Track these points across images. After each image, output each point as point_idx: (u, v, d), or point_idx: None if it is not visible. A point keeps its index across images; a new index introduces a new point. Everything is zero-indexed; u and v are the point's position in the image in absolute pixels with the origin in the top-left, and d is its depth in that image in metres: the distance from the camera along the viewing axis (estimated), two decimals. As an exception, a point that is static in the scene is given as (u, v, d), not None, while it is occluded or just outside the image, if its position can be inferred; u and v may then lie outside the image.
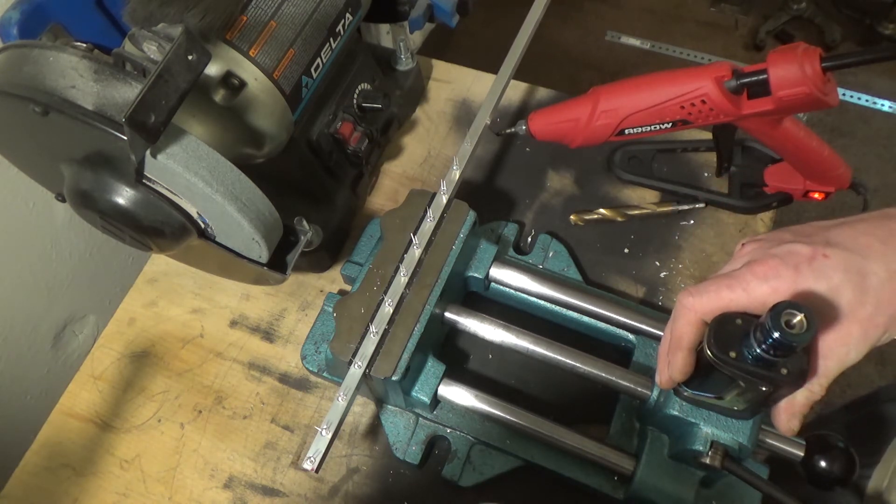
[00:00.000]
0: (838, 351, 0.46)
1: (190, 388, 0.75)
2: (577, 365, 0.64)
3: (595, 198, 0.82)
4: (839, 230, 0.46)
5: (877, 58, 0.58)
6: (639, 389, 0.62)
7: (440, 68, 0.94)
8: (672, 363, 0.50)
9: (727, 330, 0.47)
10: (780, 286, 0.45)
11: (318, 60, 0.65)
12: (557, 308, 0.70)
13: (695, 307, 0.48)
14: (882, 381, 1.57)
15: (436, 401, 0.65)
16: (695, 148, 0.82)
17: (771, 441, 0.58)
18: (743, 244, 0.50)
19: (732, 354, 0.46)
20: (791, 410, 0.49)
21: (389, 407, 0.68)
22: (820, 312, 0.45)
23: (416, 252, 0.65)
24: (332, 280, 0.80)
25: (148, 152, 0.49)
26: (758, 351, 0.45)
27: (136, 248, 0.60)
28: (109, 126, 0.47)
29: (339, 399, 0.58)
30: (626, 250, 0.78)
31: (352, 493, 0.68)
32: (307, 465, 0.55)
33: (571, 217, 0.80)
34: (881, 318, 0.45)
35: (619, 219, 0.79)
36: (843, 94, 2.10)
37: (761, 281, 0.45)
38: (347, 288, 0.77)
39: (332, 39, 0.66)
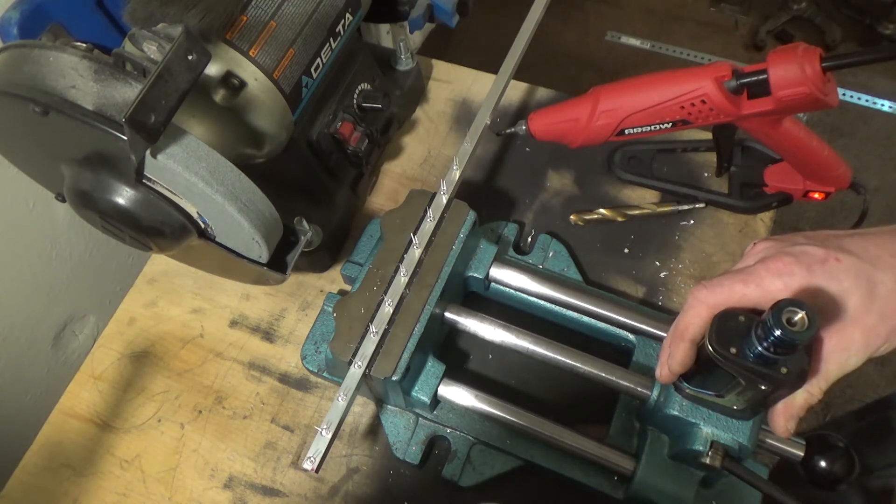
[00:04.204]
0: (839, 355, 0.46)
1: (190, 388, 0.75)
2: (577, 365, 0.64)
3: (595, 198, 0.82)
4: (851, 239, 0.47)
5: (877, 58, 0.59)
6: (639, 389, 0.61)
7: (440, 68, 0.94)
8: (672, 354, 0.51)
9: (729, 326, 0.47)
10: (793, 283, 0.45)
11: (318, 60, 0.65)
12: (557, 308, 0.70)
13: (707, 300, 0.48)
14: (882, 382, 1.57)
15: (436, 401, 0.65)
16: (695, 148, 0.82)
17: (771, 441, 0.58)
18: (755, 243, 0.51)
19: (733, 351, 0.46)
20: (789, 412, 0.49)
21: (389, 407, 0.68)
22: (826, 314, 0.45)
23: (416, 252, 0.65)
24: (332, 280, 0.80)
25: (148, 152, 0.49)
26: (759, 348, 0.45)
27: (136, 248, 0.59)
28: (109, 126, 0.47)
29: (339, 399, 0.58)
30: (626, 250, 0.78)
31: (352, 493, 0.68)
32: (307, 465, 0.55)
33: (571, 217, 0.80)
34: (884, 327, 0.45)
35: (619, 219, 0.79)
36: (843, 94, 2.10)
37: (775, 277, 0.46)
38: (347, 288, 0.77)
39: (332, 39, 0.66)
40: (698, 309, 0.48)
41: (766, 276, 0.46)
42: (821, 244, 0.47)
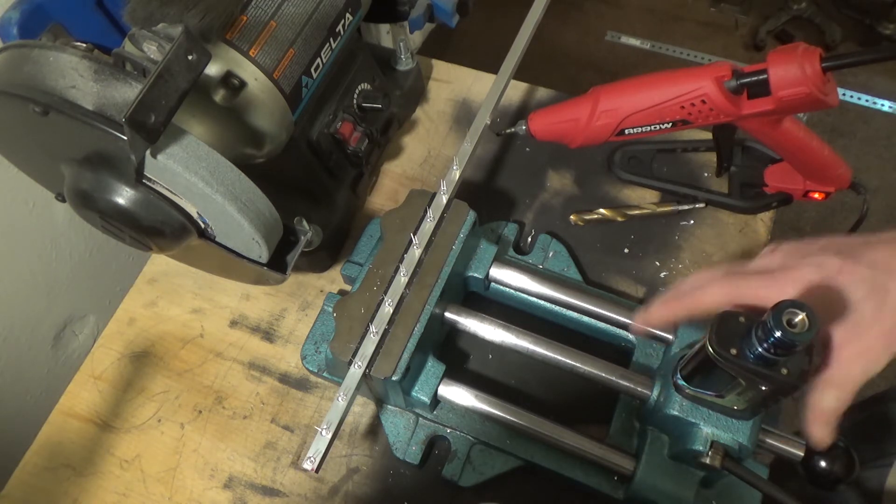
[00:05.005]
0: (862, 360, 0.47)
1: (190, 388, 0.75)
2: (577, 365, 0.64)
3: (595, 198, 0.82)
4: (867, 249, 0.49)
5: (877, 58, 0.59)
6: (639, 389, 0.61)
7: (440, 68, 0.94)
8: (662, 310, 0.52)
9: (729, 327, 0.47)
10: (811, 293, 0.47)
11: (318, 60, 0.65)
12: (557, 308, 0.70)
13: (731, 293, 0.49)
14: (883, 383, 1.57)
15: (436, 401, 0.65)
16: (695, 148, 0.82)
17: (771, 441, 0.58)
18: (773, 248, 0.52)
19: (733, 352, 0.47)
20: (823, 419, 0.50)
21: (389, 407, 0.68)
22: (844, 322, 0.47)
23: (416, 252, 0.65)
24: (332, 280, 0.80)
25: (148, 152, 0.49)
26: (759, 349, 0.45)
27: (136, 248, 0.60)
28: (109, 126, 0.47)
29: (339, 399, 0.58)
30: (626, 250, 0.78)
31: (352, 493, 0.68)
32: (307, 465, 0.55)
33: (571, 217, 0.80)
34: None
35: (619, 219, 0.79)
36: (843, 94, 2.10)
37: (796, 283, 0.47)
38: (347, 288, 0.77)
39: (332, 39, 0.66)
40: (719, 295, 0.49)
41: (788, 284, 0.48)
42: (837, 254, 0.48)
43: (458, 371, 0.71)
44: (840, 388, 0.48)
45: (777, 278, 0.48)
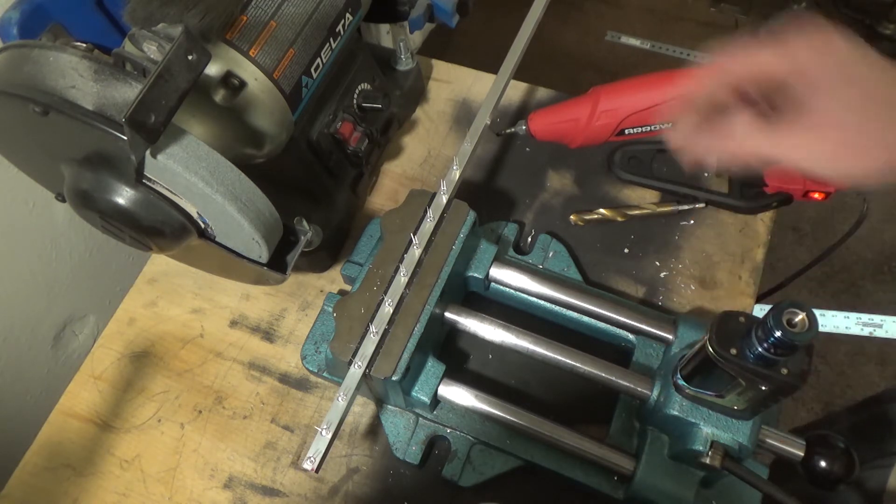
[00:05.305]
0: (803, 150, 0.42)
1: (190, 388, 0.75)
2: (577, 365, 0.64)
3: (595, 198, 0.82)
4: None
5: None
6: (639, 389, 0.62)
7: (440, 68, 0.94)
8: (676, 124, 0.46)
9: (729, 327, 0.47)
10: (833, 45, 0.41)
11: (318, 60, 0.65)
12: (557, 308, 0.70)
13: (724, 66, 0.44)
14: (882, 382, 1.57)
15: (436, 401, 0.65)
16: (695, 148, 0.82)
17: (771, 441, 0.58)
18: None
19: (733, 352, 0.47)
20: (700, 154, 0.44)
21: (389, 407, 0.68)
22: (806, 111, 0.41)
23: (416, 252, 0.65)
24: (332, 280, 0.80)
25: (148, 152, 0.49)
26: (759, 349, 0.45)
27: (136, 248, 0.60)
28: (109, 126, 0.47)
29: (339, 399, 0.58)
30: (626, 250, 0.78)
31: (352, 493, 0.68)
32: (307, 465, 0.55)
33: (571, 217, 0.80)
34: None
35: (619, 219, 0.79)
36: (843, 94, 2.09)
37: (803, 38, 0.42)
38: (347, 288, 0.77)
39: (332, 39, 0.66)
40: (711, 76, 0.44)
41: (797, 39, 0.42)
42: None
43: (458, 371, 0.72)
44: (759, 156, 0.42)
45: (780, 38, 0.42)
